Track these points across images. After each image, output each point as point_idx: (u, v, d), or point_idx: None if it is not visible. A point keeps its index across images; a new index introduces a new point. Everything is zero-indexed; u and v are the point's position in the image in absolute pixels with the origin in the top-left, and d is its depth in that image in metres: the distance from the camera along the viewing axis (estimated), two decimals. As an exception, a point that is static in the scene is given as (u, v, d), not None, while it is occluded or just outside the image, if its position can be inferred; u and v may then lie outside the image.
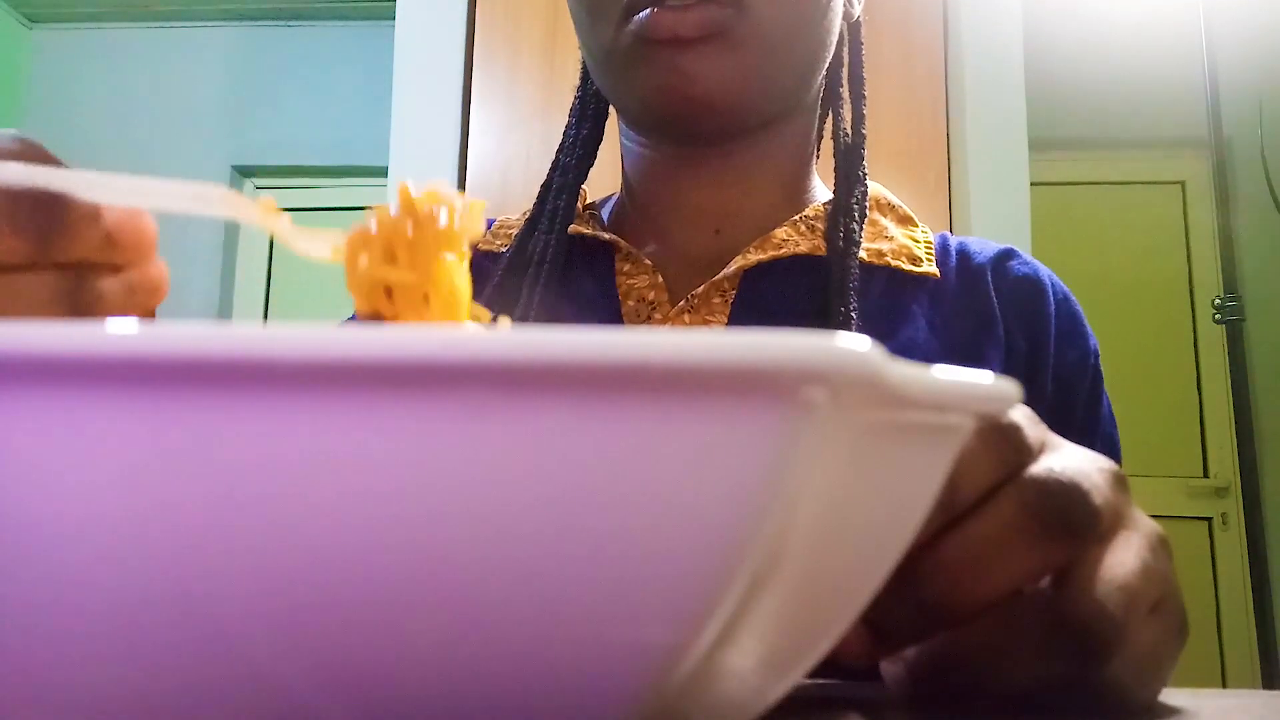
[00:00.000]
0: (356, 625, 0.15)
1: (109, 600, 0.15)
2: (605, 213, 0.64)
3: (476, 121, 1.91)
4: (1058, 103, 2.79)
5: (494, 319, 0.27)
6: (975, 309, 0.57)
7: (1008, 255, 0.61)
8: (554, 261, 0.57)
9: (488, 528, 0.14)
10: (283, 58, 3.20)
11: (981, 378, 0.18)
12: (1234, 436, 1.87)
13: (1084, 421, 0.55)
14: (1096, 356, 0.58)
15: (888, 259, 0.58)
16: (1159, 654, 0.29)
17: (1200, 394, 2.86)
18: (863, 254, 0.58)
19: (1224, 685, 2.76)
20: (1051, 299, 0.58)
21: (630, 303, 0.57)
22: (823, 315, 0.53)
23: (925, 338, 0.55)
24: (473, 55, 1.95)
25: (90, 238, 0.30)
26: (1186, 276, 2.98)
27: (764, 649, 0.17)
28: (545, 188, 0.61)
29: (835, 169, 0.61)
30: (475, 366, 0.13)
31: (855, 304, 0.54)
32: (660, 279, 0.57)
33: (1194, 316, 2.93)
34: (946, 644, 0.28)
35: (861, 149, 0.61)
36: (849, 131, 0.62)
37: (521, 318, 0.55)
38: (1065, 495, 0.27)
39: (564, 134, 0.63)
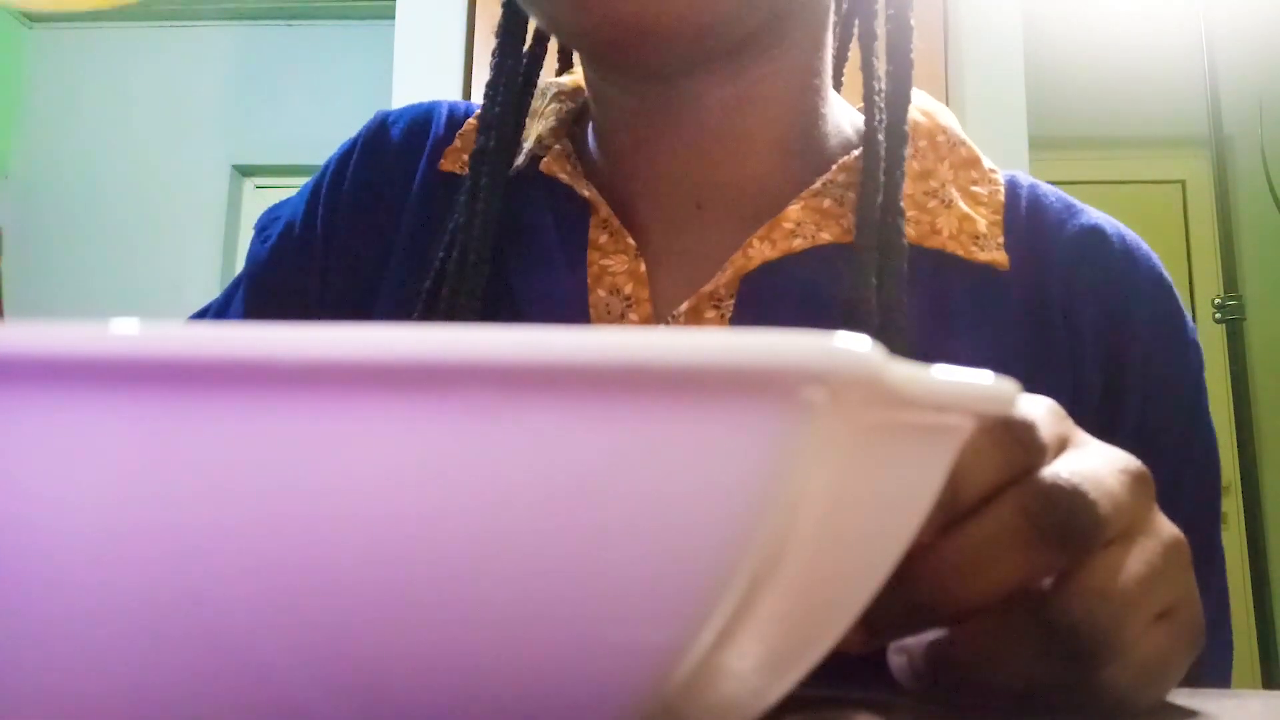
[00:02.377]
0: (356, 625, 0.15)
1: (108, 600, 0.15)
2: (591, 137, 0.50)
3: (476, 121, 1.91)
4: (1058, 102, 2.79)
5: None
6: (1040, 317, 0.45)
7: (1094, 240, 0.47)
8: (482, 245, 0.44)
9: (486, 528, 0.14)
10: (283, 58, 3.20)
11: (982, 377, 0.18)
12: (1234, 436, 1.86)
13: (1176, 456, 0.45)
14: (1200, 366, 0.47)
15: (944, 239, 0.45)
16: (1163, 661, 0.29)
17: (1200, 394, 2.86)
18: (910, 231, 0.44)
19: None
20: (1147, 303, 0.46)
21: (601, 292, 0.44)
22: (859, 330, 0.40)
23: (973, 354, 0.43)
24: (473, 55, 1.95)
25: None
26: (1186, 276, 2.98)
27: (764, 649, 0.17)
28: (477, 153, 0.46)
29: (865, 117, 0.45)
30: (474, 366, 0.13)
31: (908, 328, 0.41)
32: (641, 268, 0.44)
33: (1194, 316, 2.93)
34: (945, 641, 0.28)
35: (906, 80, 0.44)
36: (883, 66, 0.44)
37: (453, 292, 0.44)
38: (1068, 503, 0.26)
39: (491, 54, 0.48)
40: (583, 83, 0.50)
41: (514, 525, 0.14)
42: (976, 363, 0.42)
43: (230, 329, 0.13)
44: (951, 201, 0.46)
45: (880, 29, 0.45)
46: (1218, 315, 1.90)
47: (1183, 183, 3.05)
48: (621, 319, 0.44)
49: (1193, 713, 0.29)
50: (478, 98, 0.52)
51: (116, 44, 3.20)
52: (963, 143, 0.48)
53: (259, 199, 3.23)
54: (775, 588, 0.16)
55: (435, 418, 0.14)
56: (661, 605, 0.15)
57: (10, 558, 0.15)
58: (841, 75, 0.50)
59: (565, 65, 0.53)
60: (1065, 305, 0.45)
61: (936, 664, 0.28)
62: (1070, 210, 0.48)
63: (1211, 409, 0.49)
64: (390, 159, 0.52)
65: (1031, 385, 0.42)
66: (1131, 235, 0.49)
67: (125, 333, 0.13)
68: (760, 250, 0.44)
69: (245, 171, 3.20)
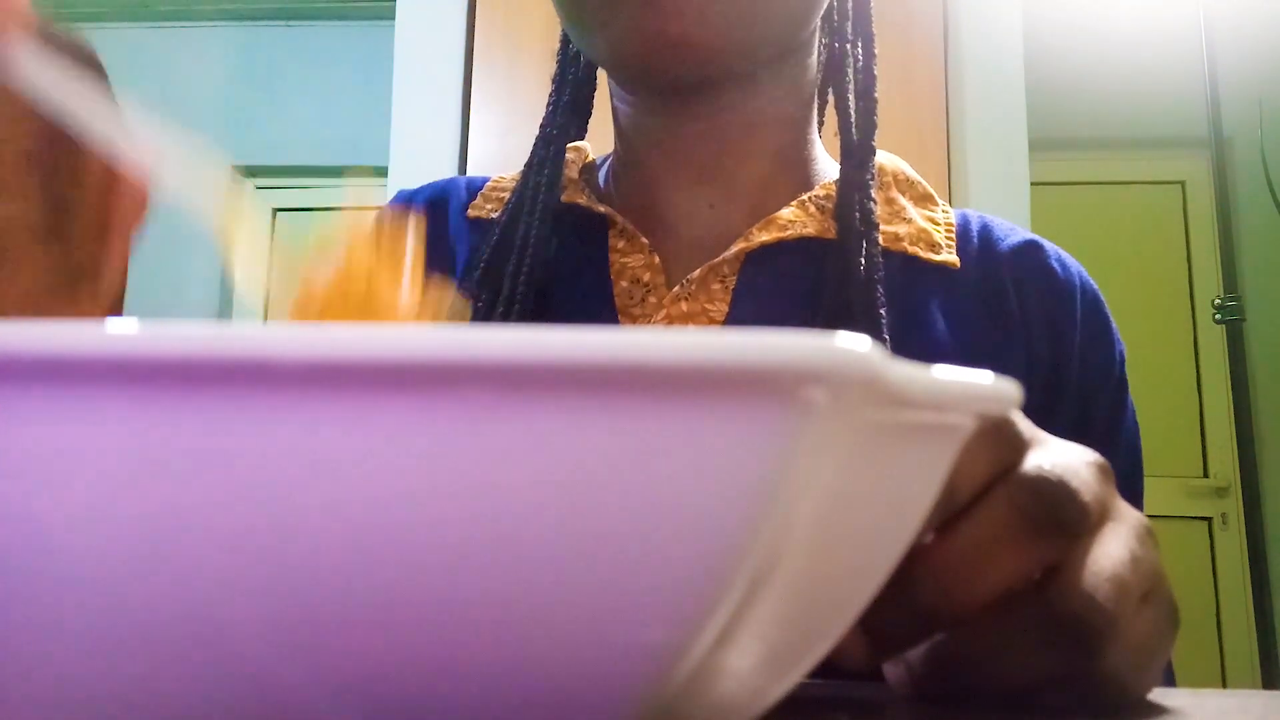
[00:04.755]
0: (356, 625, 0.15)
1: (109, 600, 0.15)
2: (603, 175, 0.59)
3: (476, 121, 1.91)
4: (1058, 103, 2.79)
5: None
6: (994, 306, 0.52)
7: (1034, 248, 0.55)
8: (539, 244, 0.52)
9: (487, 528, 0.14)
10: (283, 58, 3.20)
11: (982, 378, 0.18)
12: (1234, 436, 1.86)
13: (1105, 432, 0.52)
14: (1123, 363, 0.54)
15: (904, 244, 0.53)
16: (1152, 643, 0.29)
17: (1200, 394, 2.86)
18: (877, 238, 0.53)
19: (1224, 685, 2.76)
20: (1079, 302, 0.53)
21: (623, 283, 0.53)
22: (838, 307, 0.49)
23: (942, 334, 0.51)
24: (473, 55, 1.95)
25: (97, 184, 0.30)
26: (1186, 276, 2.98)
27: (764, 649, 0.17)
28: (528, 163, 0.56)
29: (840, 138, 0.54)
30: (475, 366, 0.13)
31: (883, 298, 0.49)
32: (656, 259, 0.53)
33: (1194, 316, 2.93)
34: (944, 645, 0.28)
35: (873, 113, 0.55)
36: (855, 94, 0.55)
37: (509, 299, 0.51)
38: (1055, 494, 0.27)
39: (547, 103, 0.58)
40: (586, 148, 0.60)
41: (514, 525, 0.14)
42: (940, 343, 0.50)
43: (230, 329, 0.13)
44: (911, 219, 0.55)
45: (851, 75, 0.56)
46: (1218, 315, 1.90)
47: (1183, 183, 3.05)
48: (642, 302, 0.52)
49: (1192, 713, 0.29)
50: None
51: (116, 44, 3.20)
52: (919, 182, 0.58)
53: (259, 199, 3.23)
54: (775, 587, 0.16)
55: (436, 417, 0.14)
56: (662, 605, 0.15)
57: (10, 558, 0.15)
58: (823, 117, 0.60)
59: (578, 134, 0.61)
60: (1017, 295, 0.53)
61: (937, 668, 0.29)
62: (1013, 229, 0.57)
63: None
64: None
65: (990, 360, 0.49)
66: (1063, 250, 0.57)
67: (124, 333, 0.13)
68: (760, 235, 0.52)
69: (245, 172, 3.20)
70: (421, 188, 0.63)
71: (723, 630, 0.15)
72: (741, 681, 0.18)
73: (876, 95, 0.55)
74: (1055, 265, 0.54)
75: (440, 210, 0.60)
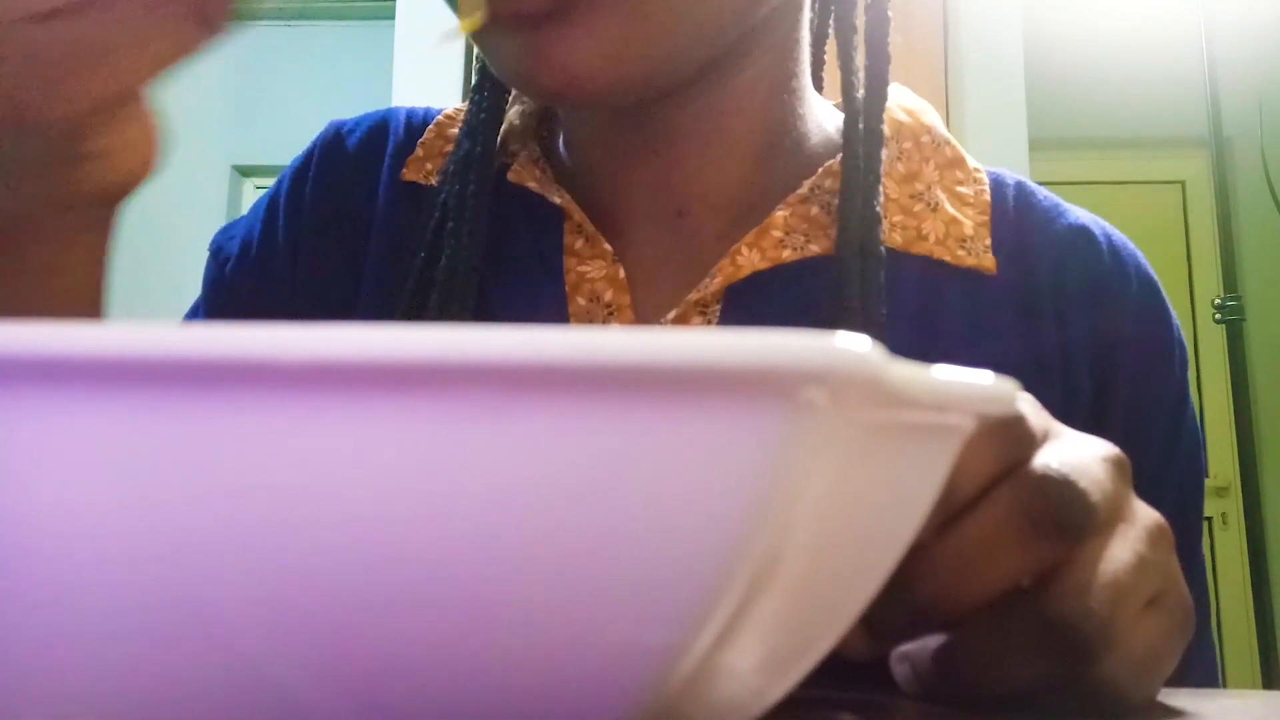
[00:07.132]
0: (356, 625, 0.15)
1: (108, 601, 0.15)
2: (560, 141, 0.49)
3: (476, 121, 1.91)
4: (1058, 102, 2.79)
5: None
6: (1028, 324, 0.44)
7: (1080, 240, 0.47)
8: (476, 236, 0.43)
9: (486, 528, 0.14)
10: (283, 58, 3.20)
11: (982, 378, 0.18)
12: (1234, 436, 1.87)
13: (1160, 457, 0.45)
14: (1184, 367, 0.47)
15: (930, 245, 0.44)
16: (1156, 650, 0.29)
17: (1200, 394, 2.86)
18: (896, 237, 0.44)
19: (1224, 685, 2.76)
20: (1133, 309, 0.46)
21: (580, 300, 0.44)
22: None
23: (964, 357, 0.43)
24: (473, 55, 1.95)
25: None
26: (1186, 276, 2.98)
27: (764, 649, 0.17)
28: (462, 159, 0.45)
29: (844, 123, 0.44)
30: (474, 367, 0.13)
31: (888, 334, 0.41)
32: (620, 273, 0.44)
33: (1194, 316, 2.93)
34: (945, 645, 0.28)
35: (883, 89, 0.44)
36: (861, 61, 0.45)
37: (443, 303, 0.43)
38: (1059, 494, 0.26)
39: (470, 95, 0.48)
40: None
41: (513, 525, 0.14)
42: (966, 363, 0.44)
43: (230, 329, 0.13)
44: (937, 204, 0.46)
45: (859, 21, 0.45)
46: (1218, 315, 1.90)
47: (1183, 183, 3.06)
48: (605, 325, 0.44)
49: (1194, 713, 0.29)
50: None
51: (116, 44, 3.20)
52: (947, 142, 0.48)
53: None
54: (775, 587, 0.16)
55: (435, 418, 0.14)
56: (661, 605, 0.15)
57: (9, 558, 0.15)
58: (821, 72, 0.50)
59: None
60: (1055, 307, 0.45)
61: (941, 670, 0.28)
62: (1058, 209, 0.48)
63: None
64: (349, 169, 0.51)
65: (1023, 390, 0.43)
66: (1118, 235, 0.49)
67: (124, 333, 0.13)
68: (750, 259, 0.43)
69: (245, 172, 3.21)
70: (360, 118, 0.53)
71: (723, 630, 0.15)
72: (742, 681, 0.18)
73: (889, 48, 0.44)
74: (1106, 260, 0.47)
75: (373, 156, 0.51)
